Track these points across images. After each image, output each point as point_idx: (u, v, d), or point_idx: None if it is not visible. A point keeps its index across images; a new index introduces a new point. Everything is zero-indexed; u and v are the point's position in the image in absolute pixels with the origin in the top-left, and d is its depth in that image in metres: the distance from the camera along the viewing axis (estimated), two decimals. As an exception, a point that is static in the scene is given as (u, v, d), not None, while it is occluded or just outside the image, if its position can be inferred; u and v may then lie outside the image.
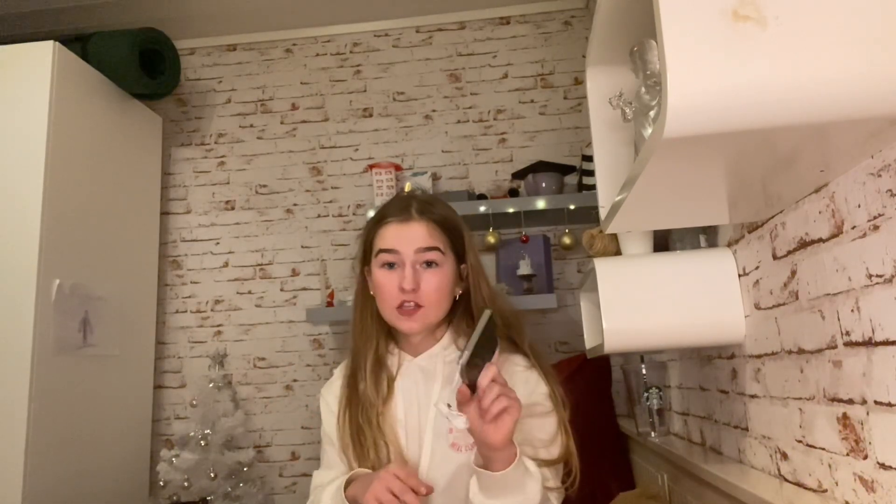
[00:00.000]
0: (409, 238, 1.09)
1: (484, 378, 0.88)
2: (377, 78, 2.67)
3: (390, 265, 1.10)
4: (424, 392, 1.12)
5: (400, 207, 1.13)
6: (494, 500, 0.93)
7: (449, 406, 0.92)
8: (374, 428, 1.10)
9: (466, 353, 0.87)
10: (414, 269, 1.08)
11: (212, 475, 2.14)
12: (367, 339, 1.17)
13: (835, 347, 0.82)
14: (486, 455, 0.93)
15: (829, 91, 0.57)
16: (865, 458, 0.76)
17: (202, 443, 2.17)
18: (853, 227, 0.77)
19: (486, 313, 0.91)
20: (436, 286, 1.09)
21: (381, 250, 1.11)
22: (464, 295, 1.16)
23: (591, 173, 2.15)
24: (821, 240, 0.85)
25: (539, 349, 1.15)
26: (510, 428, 0.89)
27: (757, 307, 1.08)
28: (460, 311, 1.17)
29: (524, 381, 1.09)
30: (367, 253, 1.16)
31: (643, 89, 0.90)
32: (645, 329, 1.17)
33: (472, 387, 0.89)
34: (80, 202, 2.13)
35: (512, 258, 2.28)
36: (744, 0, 0.58)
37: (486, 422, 0.89)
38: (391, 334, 1.19)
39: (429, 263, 1.10)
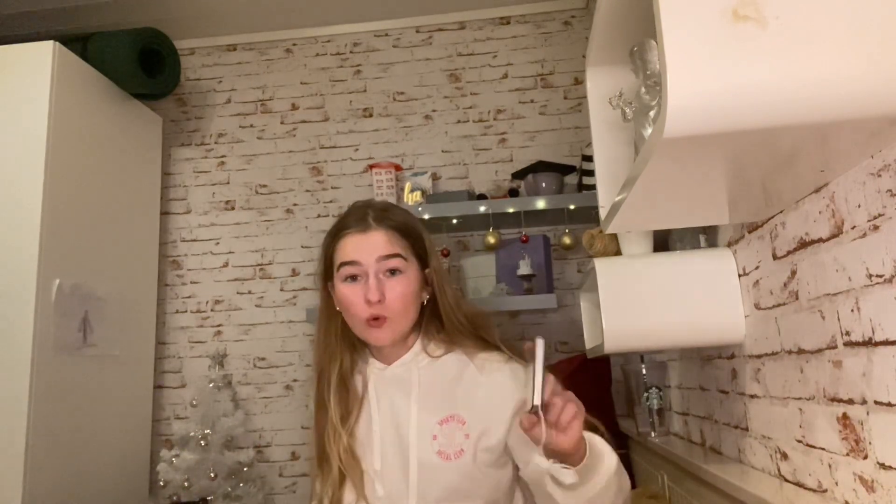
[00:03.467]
0: (368, 247, 1.07)
1: (546, 394, 0.85)
2: (377, 78, 2.67)
3: (353, 278, 1.08)
4: (401, 402, 1.10)
5: (357, 218, 1.11)
6: (586, 487, 0.90)
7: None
8: (338, 454, 1.07)
9: (537, 395, 0.84)
10: (377, 279, 1.06)
11: (212, 475, 2.14)
12: (331, 358, 1.14)
13: (835, 347, 0.82)
14: (562, 459, 0.90)
15: (829, 91, 0.57)
16: (865, 458, 0.76)
17: (202, 443, 2.17)
18: (853, 227, 0.77)
19: (541, 342, 0.86)
20: (401, 293, 1.07)
21: (343, 263, 1.08)
22: (430, 299, 1.15)
23: (591, 173, 2.15)
24: (821, 240, 0.85)
25: (511, 342, 1.15)
26: (579, 430, 0.86)
27: (757, 307, 1.08)
28: (428, 316, 1.15)
29: (512, 373, 1.07)
30: (328, 268, 1.14)
31: (643, 89, 0.91)
32: (645, 329, 1.17)
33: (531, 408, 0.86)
34: (80, 202, 2.13)
35: (512, 258, 2.28)
36: (744, 0, 0.58)
37: (558, 433, 0.85)
38: (357, 347, 1.16)
39: (392, 271, 1.08)
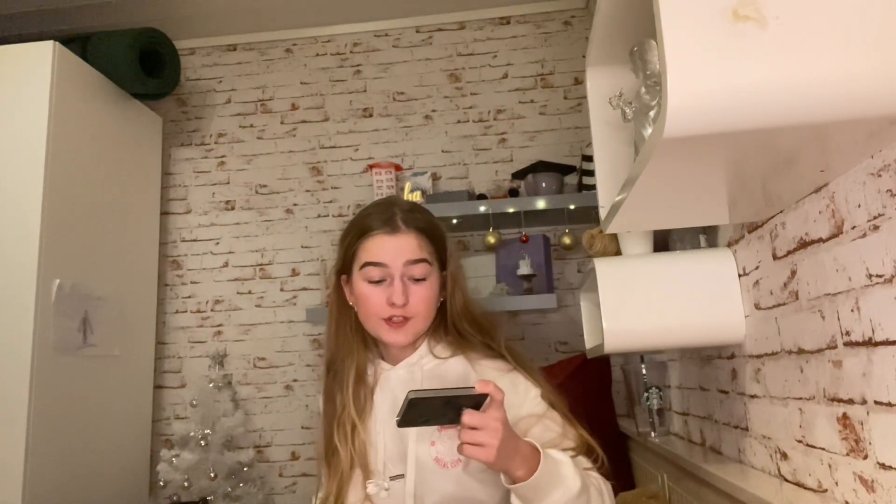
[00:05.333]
0: (397, 250, 1.06)
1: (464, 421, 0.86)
2: (377, 78, 2.67)
3: (377, 278, 1.07)
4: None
5: (384, 218, 1.09)
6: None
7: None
8: (348, 447, 1.07)
9: (396, 419, 0.87)
10: (403, 283, 1.05)
11: (212, 475, 2.14)
12: (347, 352, 1.13)
13: (835, 347, 0.82)
14: (506, 471, 0.90)
15: (829, 91, 0.57)
16: (865, 458, 0.76)
17: (202, 443, 2.17)
18: (853, 227, 0.77)
19: (407, 397, 0.85)
20: (424, 299, 1.07)
21: (368, 263, 1.07)
22: (442, 302, 1.13)
23: (591, 173, 2.15)
24: (821, 240, 0.85)
25: (517, 349, 1.13)
26: (486, 461, 0.86)
27: (757, 307, 1.08)
28: (438, 318, 1.14)
29: (512, 384, 1.05)
30: (347, 263, 1.12)
31: (643, 89, 0.91)
32: (645, 329, 1.17)
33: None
34: (80, 202, 2.13)
35: (512, 258, 2.28)
36: (744, 0, 0.58)
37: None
38: (368, 344, 1.16)
39: (417, 276, 1.07)
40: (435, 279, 1.10)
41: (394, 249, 1.06)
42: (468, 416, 0.85)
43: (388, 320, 1.06)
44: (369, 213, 1.13)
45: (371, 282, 1.07)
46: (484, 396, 0.85)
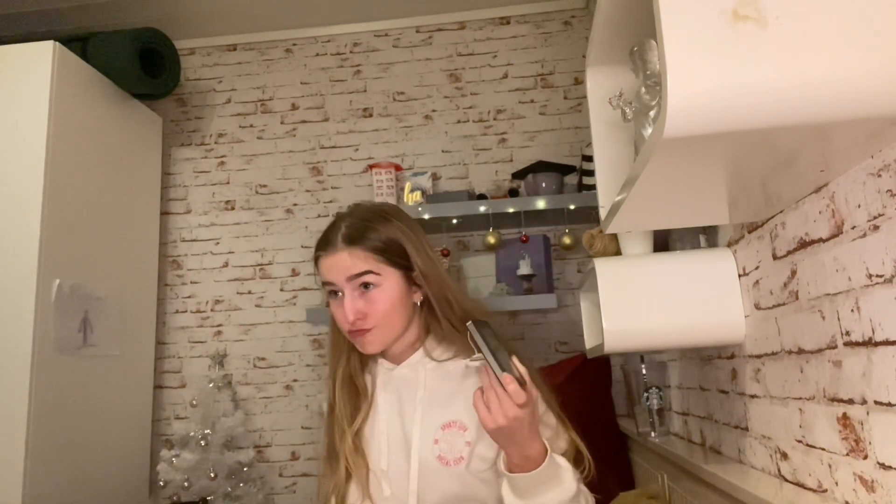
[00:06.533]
0: (337, 269, 1.08)
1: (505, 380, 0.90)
2: (377, 78, 2.67)
3: (335, 293, 1.10)
4: (408, 402, 1.10)
5: (328, 236, 1.11)
6: (533, 500, 0.93)
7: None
8: (345, 450, 1.09)
9: (496, 368, 0.89)
10: (352, 297, 1.07)
11: (212, 475, 2.14)
12: (338, 356, 1.17)
13: (835, 347, 0.82)
14: (511, 456, 0.93)
15: (829, 91, 0.57)
16: (865, 458, 0.76)
17: (202, 443, 2.17)
18: (853, 227, 0.77)
19: (471, 325, 0.91)
20: (381, 306, 1.07)
21: (322, 282, 1.11)
22: (425, 301, 1.14)
23: (591, 173, 2.15)
24: (821, 240, 0.85)
25: (515, 348, 1.13)
26: (482, 423, 0.91)
27: (757, 307, 1.08)
28: (427, 317, 1.15)
29: None
30: None
31: (643, 89, 0.91)
32: (645, 329, 1.17)
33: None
34: (80, 202, 2.13)
35: (512, 258, 2.28)
36: (744, 0, 0.58)
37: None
38: None
39: (366, 285, 1.08)
40: (391, 284, 1.09)
41: (334, 268, 1.08)
42: (495, 382, 0.89)
43: (352, 333, 1.09)
44: (325, 230, 1.15)
45: (332, 296, 1.11)
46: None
